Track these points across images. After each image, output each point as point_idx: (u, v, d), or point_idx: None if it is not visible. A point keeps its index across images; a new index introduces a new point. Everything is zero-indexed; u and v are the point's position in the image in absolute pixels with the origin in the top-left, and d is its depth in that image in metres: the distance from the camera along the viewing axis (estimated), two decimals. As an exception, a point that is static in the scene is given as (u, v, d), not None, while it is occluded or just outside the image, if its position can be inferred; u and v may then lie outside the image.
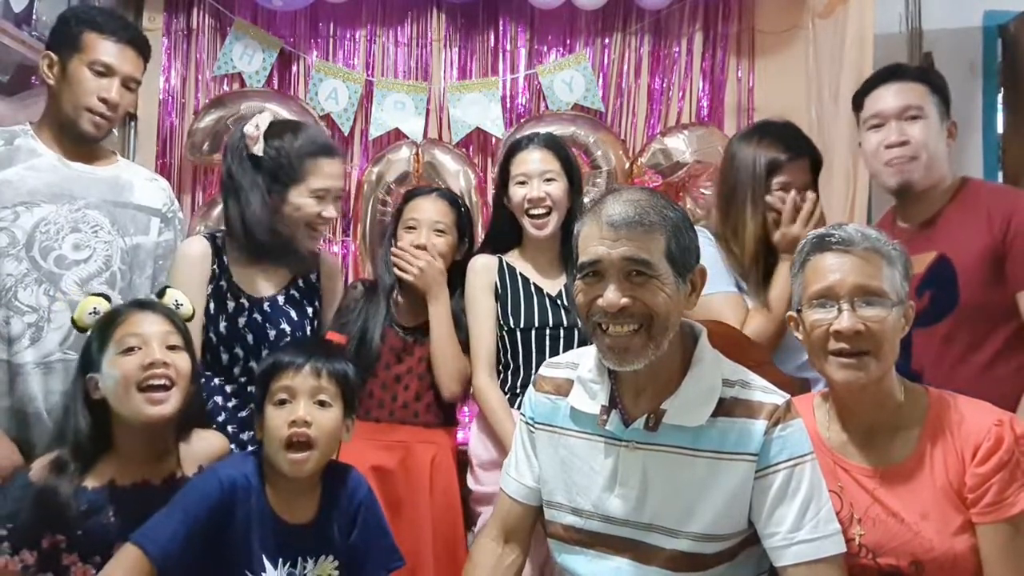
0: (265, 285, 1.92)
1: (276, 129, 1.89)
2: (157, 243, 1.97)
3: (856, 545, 1.34)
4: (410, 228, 2.00)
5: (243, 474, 1.44)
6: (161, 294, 1.58)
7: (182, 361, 1.48)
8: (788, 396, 1.31)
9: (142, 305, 1.53)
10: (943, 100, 1.84)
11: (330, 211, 1.88)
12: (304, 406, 1.43)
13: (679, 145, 2.81)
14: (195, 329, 1.77)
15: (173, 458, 1.52)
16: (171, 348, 1.48)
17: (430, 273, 1.95)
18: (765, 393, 1.30)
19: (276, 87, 2.96)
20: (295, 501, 1.47)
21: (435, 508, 1.91)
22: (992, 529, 1.28)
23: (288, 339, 1.89)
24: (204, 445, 1.58)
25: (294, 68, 3.00)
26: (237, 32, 2.93)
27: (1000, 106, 2.94)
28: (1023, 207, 1.73)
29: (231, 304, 1.86)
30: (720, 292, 1.83)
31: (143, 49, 1.92)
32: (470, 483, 1.98)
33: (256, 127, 1.86)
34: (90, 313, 1.50)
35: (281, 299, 1.92)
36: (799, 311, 1.42)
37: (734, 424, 1.27)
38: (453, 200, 2.07)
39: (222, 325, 1.84)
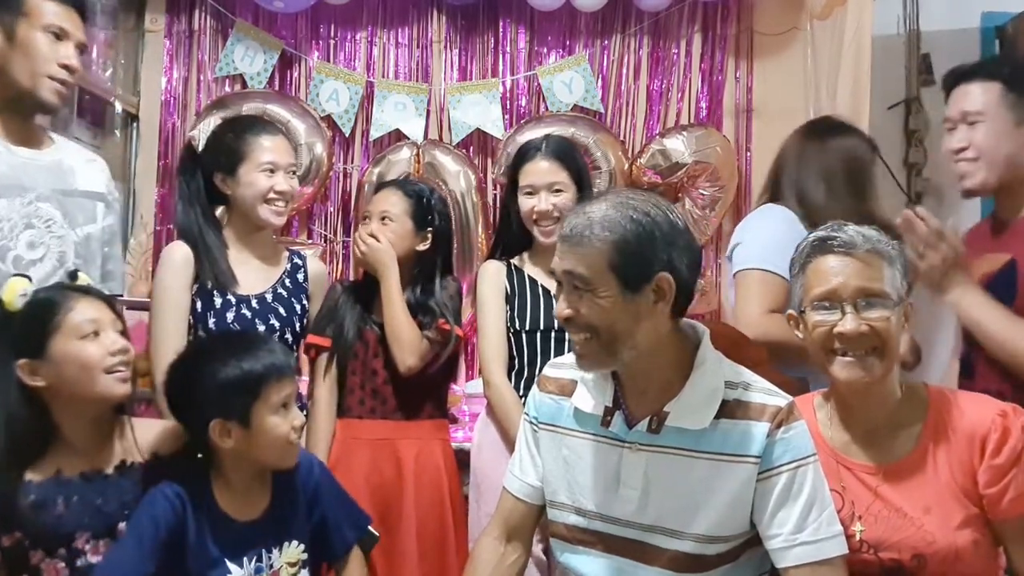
0: (253, 283, 1.94)
1: (218, 126, 2.06)
2: (103, 228, 1.92)
3: (857, 541, 1.35)
4: (364, 220, 2.04)
5: (189, 481, 1.43)
6: (73, 276, 1.54)
7: (130, 346, 1.49)
8: (791, 398, 1.32)
9: (79, 290, 1.49)
10: (1019, 89, 1.71)
11: (282, 184, 1.93)
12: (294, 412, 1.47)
13: (678, 146, 2.82)
14: (181, 332, 1.82)
15: (120, 445, 1.50)
16: (120, 333, 1.48)
17: (372, 254, 1.96)
18: (768, 395, 1.30)
19: (277, 88, 2.97)
20: (247, 495, 1.47)
21: (420, 507, 1.90)
22: (1022, 520, 1.30)
23: (278, 335, 1.91)
24: (151, 430, 1.56)
25: (295, 69, 3.01)
26: (238, 33, 2.93)
27: (998, 107, 2.95)
28: None
29: (218, 300, 1.87)
30: (759, 269, 1.87)
31: (84, 13, 1.82)
32: (471, 499, 1.98)
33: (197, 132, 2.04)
34: (21, 295, 1.45)
35: (269, 296, 1.95)
36: (801, 312, 1.44)
37: (736, 426, 1.28)
38: (408, 191, 2.03)
39: (211, 321, 1.85)
